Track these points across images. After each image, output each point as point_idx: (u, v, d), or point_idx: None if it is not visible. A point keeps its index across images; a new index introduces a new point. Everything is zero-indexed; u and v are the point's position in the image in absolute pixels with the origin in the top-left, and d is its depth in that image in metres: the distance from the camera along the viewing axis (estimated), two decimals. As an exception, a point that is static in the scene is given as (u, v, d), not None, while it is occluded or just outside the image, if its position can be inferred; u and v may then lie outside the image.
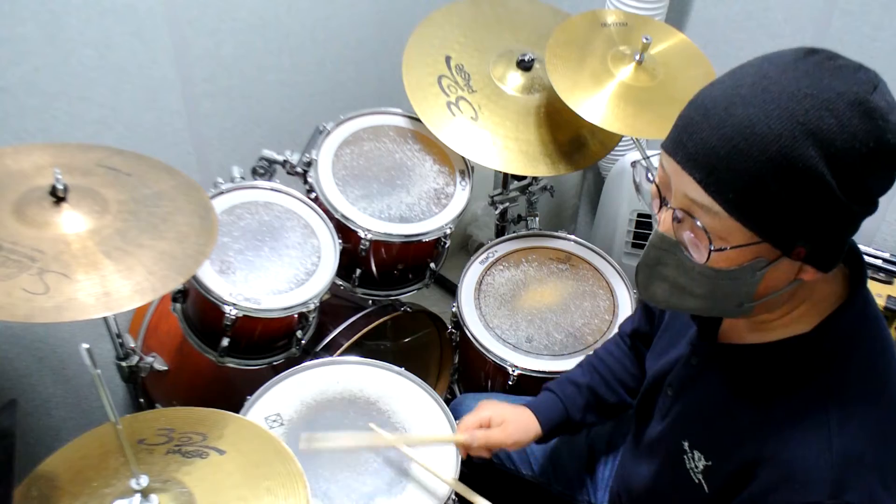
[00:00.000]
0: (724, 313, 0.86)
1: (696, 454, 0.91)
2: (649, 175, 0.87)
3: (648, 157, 0.92)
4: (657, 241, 0.81)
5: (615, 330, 1.53)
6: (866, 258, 0.90)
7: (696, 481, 0.90)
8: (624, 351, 1.25)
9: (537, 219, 1.86)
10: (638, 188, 0.94)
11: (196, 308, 1.41)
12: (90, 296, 0.94)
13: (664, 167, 0.80)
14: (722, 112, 0.72)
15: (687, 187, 0.76)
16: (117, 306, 0.95)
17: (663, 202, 0.81)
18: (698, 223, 0.76)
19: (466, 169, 1.61)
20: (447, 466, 1.20)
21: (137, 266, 0.99)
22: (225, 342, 1.35)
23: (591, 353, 1.29)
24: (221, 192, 1.43)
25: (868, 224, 0.91)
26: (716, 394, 0.91)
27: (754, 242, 0.74)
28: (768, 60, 0.75)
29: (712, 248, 0.75)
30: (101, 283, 0.95)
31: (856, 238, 0.82)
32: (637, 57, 1.49)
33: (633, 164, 0.93)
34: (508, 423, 1.19)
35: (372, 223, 1.49)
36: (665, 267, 0.82)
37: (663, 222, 0.80)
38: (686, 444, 0.92)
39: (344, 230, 1.48)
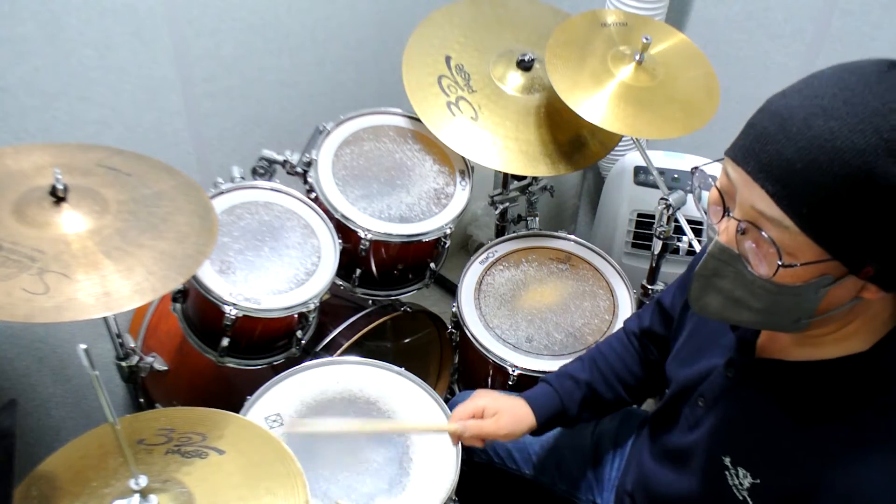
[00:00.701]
0: (779, 328, 0.83)
1: (741, 471, 0.88)
2: (710, 182, 0.84)
3: (700, 167, 0.88)
4: (717, 251, 0.78)
5: (615, 330, 1.52)
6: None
7: (741, 498, 0.88)
8: (628, 349, 1.24)
9: (537, 219, 1.86)
10: (696, 194, 0.91)
11: (196, 308, 1.41)
12: (90, 296, 0.94)
13: (729, 175, 0.76)
14: (800, 123, 0.70)
15: (756, 199, 0.73)
16: (117, 306, 0.95)
17: (726, 212, 0.78)
18: (766, 236, 0.73)
19: (466, 169, 1.61)
20: (447, 466, 1.20)
21: (137, 266, 0.99)
22: (225, 342, 1.35)
23: (591, 347, 1.28)
24: (221, 192, 1.43)
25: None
26: (759, 410, 0.88)
27: (824, 260, 0.72)
28: (847, 71, 0.72)
29: (781, 264, 0.73)
30: (101, 283, 0.96)
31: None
32: (637, 57, 1.49)
33: (694, 169, 0.90)
34: (502, 413, 1.17)
35: (372, 223, 1.49)
36: (722, 279, 0.79)
37: (725, 232, 0.77)
38: (727, 461, 0.90)
39: (344, 230, 1.48)
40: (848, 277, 0.73)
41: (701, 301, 0.83)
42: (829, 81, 0.72)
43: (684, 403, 1.01)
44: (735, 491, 0.89)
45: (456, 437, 1.20)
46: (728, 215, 0.78)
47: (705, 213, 0.83)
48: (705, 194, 0.86)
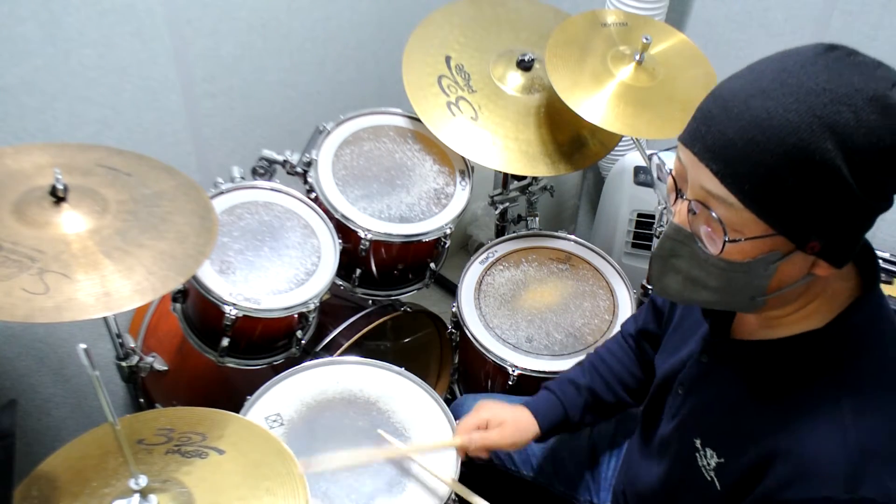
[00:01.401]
0: (737, 307, 0.86)
1: (709, 452, 0.91)
2: (665, 169, 0.87)
3: (657, 154, 0.91)
4: (672, 232, 0.81)
5: (615, 330, 1.52)
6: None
7: (709, 479, 0.90)
8: (626, 351, 1.25)
9: (537, 219, 1.86)
10: (653, 182, 0.94)
11: (196, 308, 1.41)
12: (90, 296, 0.94)
13: (681, 159, 0.80)
14: (740, 104, 0.73)
15: (703, 179, 0.76)
16: (117, 306, 0.95)
17: (679, 194, 0.81)
18: (714, 214, 0.76)
19: (466, 169, 1.61)
20: (447, 467, 1.20)
21: (137, 266, 0.99)
22: (225, 342, 1.35)
23: (591, 352, 1.29)
24: (221, 192, 1.43)
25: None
26: (727, 391, 0.91)
27: (769, 235, 0.75)
28: (788, 55, 0.75)
29: (727, 240, 0.75)
30: (101, 283, 0.96)
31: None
32: (637, 57, 1.49)
33: (650, 156, 0.93)
34: (506, 424, 1.19)
35: (372, 223, 1.49)
36: (679, 259, 0.82)
37: (678, 213, 0.81)
38: (698, 442, 0.92)
39: (344, 230, 1.48)
40: (796, 253, 0.76)
41: (661, 282, 0.86)
42: (770, 65, 0.75)
43: (668, 394, 1.03)
44: (704, 472, 0.91)
45: (462, 451, 1.21)
46: (681, 197, 0.81)
47: (664, 199, 0.85)
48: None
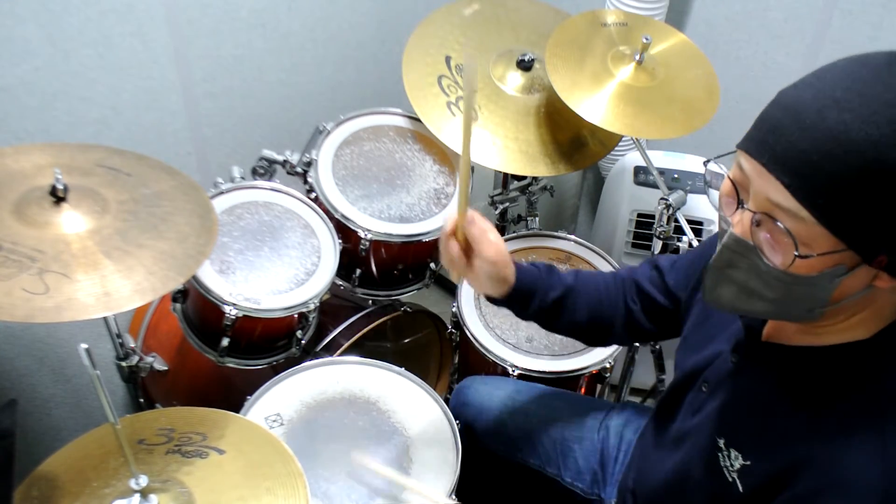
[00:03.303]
0: (792, 317, 0.84)
1: (733, 453, 0.89)
2: (718, 177, 0.85)
3: (713, 161, 0.88)
4: (732, 243, 0.79)
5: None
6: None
7: (730, 480, 0.89)
8: (614, 293, 1.19)
9: (537, 219, 1.86)
10: (708, 187, 0.91)
11: (196, 308, 1.41)
12: (90, 296, 0.94)
13: (743, 168, 0.77)
14: (814, 115, 0.70)
15: (771, 191, 0.74)
16: (117, 306, 0.95)
17: (740, 204, 0.79)
18: (782, 226, 0.73)
19: (466, 169, 1.61)
20: (448, 463, 1.20)
21: (137, 266, 0.99)
22: (225, 342, 1.35)
23: (580, 270, 1.21)
24: (221, 192, 1.43)
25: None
26: (757, 393, 0.90)
27: (839, 250, 0.72)
28: (857, 63, 0.73)
29: (798, 255, 0.73)
30: (101, 284, 0.96)
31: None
32: (637, 57, 1.49)
33: (706, 162, 0.90)
34: (500, 241, 1.07)
35: (372, 223, 1.49)
36: (736, 270, 0.80)
37: (740, 224, 0.78)
38: (721, 442, 0.91)
39: (344, 230, 1.48)
40: (861, 266, 0.74)
41: (714, 292, 0.84)
42: (840, 74, 0.72)
43: (689, 390, 1.02)
44: (726, 472, 0.90)
45: (451, 225, 1.07)
46: (742, 207, 0.78)
47: (719, 208, 0.83)
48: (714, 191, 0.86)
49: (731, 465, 0.89)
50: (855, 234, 0.72)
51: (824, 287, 0.76)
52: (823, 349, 0.83)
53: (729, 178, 0.80)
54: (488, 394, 1.34)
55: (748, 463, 0.87)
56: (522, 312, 1.16)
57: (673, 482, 1.02)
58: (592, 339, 1.25)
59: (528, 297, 1.13)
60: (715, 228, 1.84)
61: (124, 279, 0.97)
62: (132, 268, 0.99)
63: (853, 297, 0.78)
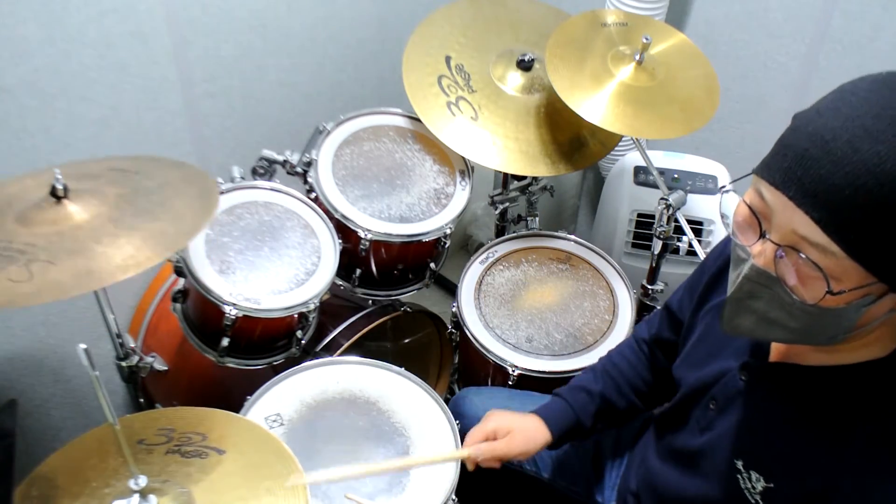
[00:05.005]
0: (812, 343, 0.82)
1: (754, 475, 0.87)
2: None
3: (729, 189, 0.86)
4: (754, 275, 0.76)
5: (615, 330, 1.53)
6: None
7: (753, 501, 0.88)
8: (639, 357, 1.23)
9: (537, 219, 1.86)
10: (724, 218, 0.88)
11: (196, 308, 1.41)
12: (71, 276, 0.92)
13: (764, 198, 0.74)
14: (844, 146, 0.67)
15: (797, 224, 0.71)
16: (99, 282, 0.93)
17: (762, 234, 0.76)
18: (808, 259, 0.71)
19: (466, 169, 1.61)
20: (446, 473, 1.20)
21: (126, 245, 0.97)
22: (225, 342, 1.35)
23: (603, 357, 1.27)
24: (221, 192, 1.43)
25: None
26: (774, 414, 0.88)
27: (870, 284, 0.71)
28: (887, 87, 0.70)
29: (829, 291, 0.71)
30: (85, 265, 0.94)
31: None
32: (637, 57, 1.49)
33: (722, 189, 0.88)
34: (514, 433, 1.17)
35: (372, 223, 1.49)
36: (757, 300, 0.78)
37: (762, 256, 0.75)
38: (740, 464, 0.89)
39: (344, 230, 1.48)
40: (888, 295, 0.73)
41: (733, 322, 0.81)
42: (867, 99, 0.70)
43: (695, 406, 1.01)
44: (748, 494, 0.88)
45: (472, 463, 1.19)
46: (764, 237, 0.76)
47: (733, 234, 0.80)
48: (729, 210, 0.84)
49: (753, 488, 0.87)
50: (888, 267, 0.70)
51: (850, 317, 0.74)
52: (839, 368, 0.82)
53: (747, 204, 0.77)
54: (482, 404, 1.34)
55: (771, 485, 0.86)
56: (583, 440, 1.26)
57: (688, 500, 1.00)
58: (654, 404, 1.26)
59: (574, 433, 1.19)
60: (714, 229, 1.84)
61: (110, 258, 0.95)
62: (120, 247, 0.96)
63: (876, 321, 0.76)
